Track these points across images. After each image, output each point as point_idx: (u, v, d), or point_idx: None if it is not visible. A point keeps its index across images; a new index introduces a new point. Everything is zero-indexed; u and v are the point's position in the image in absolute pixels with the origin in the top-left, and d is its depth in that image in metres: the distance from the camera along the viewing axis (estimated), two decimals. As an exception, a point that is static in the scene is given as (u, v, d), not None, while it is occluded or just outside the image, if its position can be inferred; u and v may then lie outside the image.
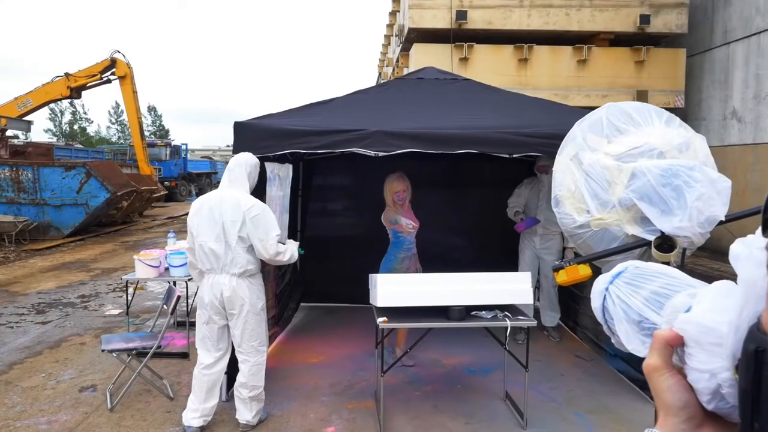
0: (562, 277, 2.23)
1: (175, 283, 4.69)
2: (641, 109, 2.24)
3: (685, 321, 0.57)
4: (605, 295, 0.75)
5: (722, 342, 0.51)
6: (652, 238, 2.05)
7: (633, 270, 0.73)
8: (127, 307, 5.36)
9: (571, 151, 2.22)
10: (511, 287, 3.65)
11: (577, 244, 2.30)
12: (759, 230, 0.49)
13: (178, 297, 4.19)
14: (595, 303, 0.76)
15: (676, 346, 0.58)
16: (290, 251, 3.59)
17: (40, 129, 49.83)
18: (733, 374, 0.51)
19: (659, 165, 2.01)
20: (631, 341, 0.70)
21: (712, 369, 0.53)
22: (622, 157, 2.11)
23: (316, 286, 6.52)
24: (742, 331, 0.48)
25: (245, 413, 3.63)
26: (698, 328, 0.55)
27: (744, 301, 0.49)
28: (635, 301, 0.70)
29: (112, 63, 16.38)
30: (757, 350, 0.45)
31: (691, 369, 0.56)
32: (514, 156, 4.27)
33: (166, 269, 5.04)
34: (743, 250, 0.50)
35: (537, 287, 5.66)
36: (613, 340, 0.75)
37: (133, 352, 4.16)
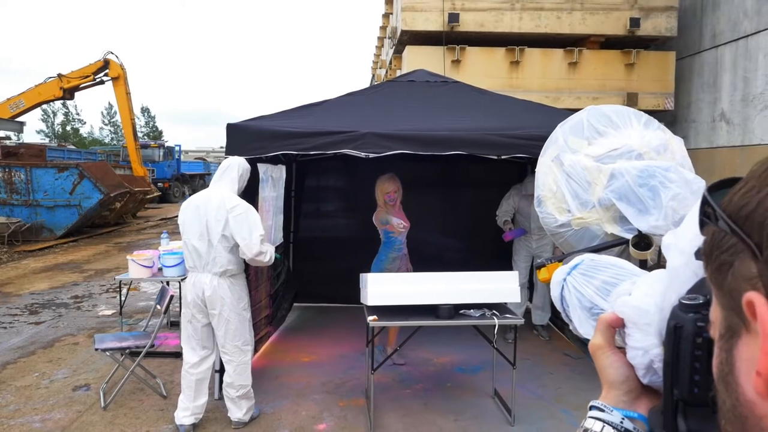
0: (544, 275, 2.29)
1: (168, 283, 4.73)
2: (620, 112, 2.31)
3: (623, 304, 0.63)
4: (563, 285, 0.81)
5: (652, 322, 0.58)
6: (629, 236, 2.12)
7: (588, 262, 0.80)
8: (121, 307, 5.40)
9: (552, 152, 2.29)
10: (498, 286, 3.72)
11: (558, 243, 2.37)
12: (685, 222, 0.55)
13: (171, 296, 4.24)
14: (554, 292, 0.83)
15: (617, 327, 0.65)
16: (270, 253, 3.63)
17: (33, 130, 49.62)
18: (661, 350, 0.58)
19: (636, 166, 2.08)
20: (583, 326, 0.77)
21: (645, 346, 0.60)
22: (601, 159, 2.18)
23: (308, 287, 6.57)
24: (666, 311, 0.55)
25: (236, 411, 3.69)
26: (634, 311, 0.61)
27: (669, 285, 0.55)
28: (587, 290, 0.77)
29: (105, 64, 16.35)
30: (676, 326, 0.52)
31: (629, 347, 0.63)
32: (503, 157, 4.34)
33: (160, 269, 5.08)
34: (672, 241, 0.57)
35: (531, 287, 5.74)
36: (570, 327, 0.81)
37: (127, 351, 4.20)
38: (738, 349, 0.40)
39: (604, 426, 0.62)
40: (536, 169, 2.37)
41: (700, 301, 0.51)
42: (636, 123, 2.26)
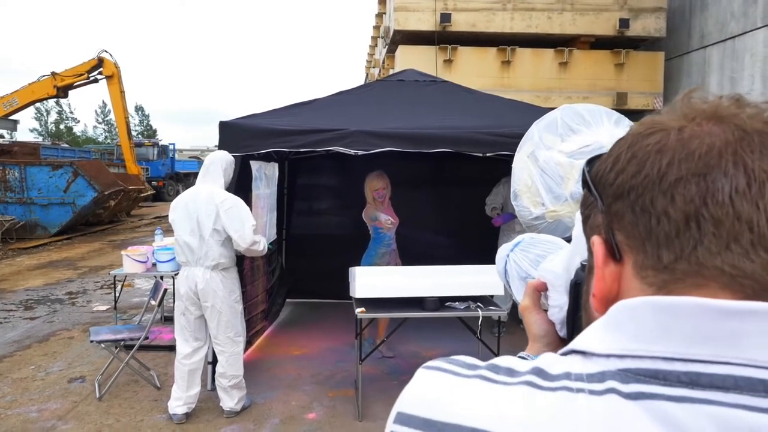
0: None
1: (162, 278, 4.83)
2: (593, 110, 2.43)
3: (543, 269, 0.75)
4: (506, 260, 0.93)
5: (563, 283, 0.70)
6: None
7: (528, 240, 0.91)
8: (115, 302, 5.49)
9: (528, 149, 2.41)
10: (483, 279, 3.83)
11: (533, 235, 2.49)
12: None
13: (165, 290, 4.34)
14: (499, 267, 0.94)
15: (541, 291, 0.76)
16: (263, 242, 3.75)
17: (26, 128, 49.48)
18: None
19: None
20: (519, 294, 0.88)
21: (560, 304, 0.71)
22: (573, 155, 2.30)
23: (301, 283, 6.67)
24: (571, 272, 0.66)
25: (228, 401, 3.79)
26: (551, 275, 0.73)
27: (574, 250, 0.67)
28: (524, 262, 0.88)
29: (99, 62, 16.37)
30: (575, 283, 0.64)
31: (549, 306, 0.74)
32: (488, 155, 4.46)
33: (154, 265, 5.17)
34: (577, 213, 0.68)
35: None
36: (512, 297, 0.93)
37: (121, 343, 4.30)
38: (590, 281, 0.51)
39: None
40: (513, 165, 2.49)
41: None
42: (607, 121, 2.38)
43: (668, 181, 0.42)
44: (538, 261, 0.85)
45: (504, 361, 0.48)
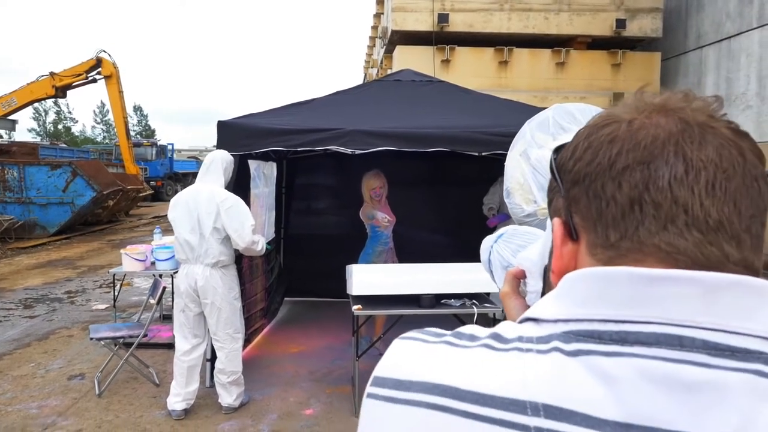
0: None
1: (161, 276, 4.87)
2: (584, 110, 2.47)
3: (521, 258, 0.80)
4: (490, 251, 0.97)
5: (539, 269, 0.74)
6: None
7: (510, 231, 0.96)
8: (114, 300, 5.53)
9: (520, 147, 2.46)
10: (478, 277, 3.87)
11: (526, 232, 2.54)
12: None
13: (164, 288, 4.38)
14: (483, 257, 0.99)
15: (520, 278, 0.81)
16: (262, 242, 3.80)
17: (24, 128, 49.46)
18: None
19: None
20: (501, 282, 0.93)
21: (537, 289, 0.76)
22: (565, 153, 2.35)
23: (298, 282, 6.71)
24: (545, 258, 0.71)
25: (226, 397, 3.84)
26: (528, 262, 0.77)
27: (548, 238, 0.71)
28: (506, 252, 0.93)
29: (98, 62, 16.40)
30: (547, 268, 0.68)
31: (528, 292, 0.79)
32: (484, 154, 4.50)
33: (153, 263, 5.21)
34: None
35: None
36: (496, 286, 0.97)
37: (121, 341, 4.34)
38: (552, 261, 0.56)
39: None
40: (505, 163, 2.53)
41: None
42: (598, 120, 2.43)
43: (617, 169, 0.47)
44: (518, 251, 0.90)
45: (467, 329, 0.53)
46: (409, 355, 0.51)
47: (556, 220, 0.54)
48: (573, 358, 0.44)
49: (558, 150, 0.57)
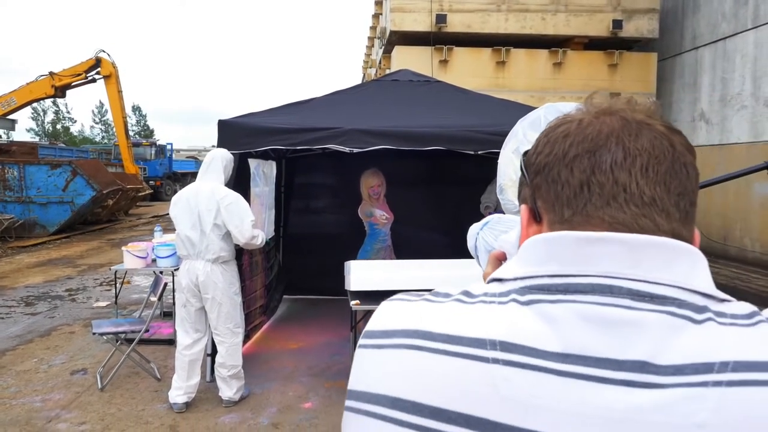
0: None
1: (162, 273, 4.94)
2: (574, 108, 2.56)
3: (502, 240, 0.88)
4: (476, 237, 1.05)
5: (516, 250, 0.82)
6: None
7: (495, 219, 1.04)
8: (116, 296, 5.60)
9: (513, 145, 2.53)
10: (475, 273, 3.94)
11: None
12: None
13: (165, 284, 4.45)
14: (470, 243, 1.07)
15: (501, 259, 0.89)
16: (261, 237, 3.88)
17: (22, 128, 49.49)
18: None
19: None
20: (485, 264, 1.01)
21: (516, 270, 0.84)
22: (555, 151, 2.43)
23: (297, 280, 6.79)
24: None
25: (226, 390, 3.91)
26: (507, 245, 0.85)
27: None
28: (490, 238, 1.01)
29: (97, 62, 16.48)
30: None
31: (508, 273, 0.86)
32: (480, 153, 4.58)
33: (153, 261, 5.28)
34: None
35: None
36: (481, 269, 1.05)
37: (122, 336, 4.41)
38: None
39: None
40: (498, 161, 2.61)
41: None
42: (588, 119, 2.51)
43: (569, 158, 0.56)
44: (501, 236, 0.98)
45: (443, 289, 0.62)
46: (393, 311, 0.61)
47: (523, 206, 0.63)
48: (526, 306, 0.54)
49: (526, 152, 0.66)
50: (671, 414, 0.46)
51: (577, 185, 0.55)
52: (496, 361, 0.51)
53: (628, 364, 0.48)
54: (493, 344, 0.52)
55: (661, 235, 0.53)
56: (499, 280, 0.59)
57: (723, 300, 0.53)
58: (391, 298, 0.64)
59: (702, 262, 0.54)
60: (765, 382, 0.46)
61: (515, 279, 0.57)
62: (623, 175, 0.54)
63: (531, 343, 0.51)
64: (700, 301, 0.51)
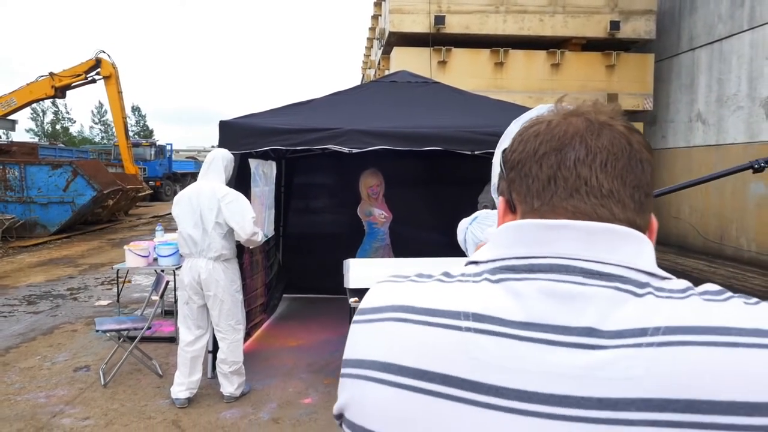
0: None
1: (163, 271, 5.01)
2: (567, 110, 2.64)
3: (488, 233, 0.95)
4: (465, 232, 1.12)
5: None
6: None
7: (483, 214, 1.11)
8: (118, 295, 5.67)
9: (506, 145, 2.61)
10: (471, 271, 4.03)
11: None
12: None
13: (167, 282, 4.52)
14: (460, 237, 1.14)
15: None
16: (261, 233, 3.97)
17: (22, 129, 49.52)
18: None
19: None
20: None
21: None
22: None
23: (297, 279, 6.86)
24: None
25: (228, 386, 3.98)
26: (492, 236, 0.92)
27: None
28: (478, 232, 1.08)
29: (97, 63, 16.53)
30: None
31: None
32: (477, 153, 4.66)
33: (155, 260, 5.35)
34: None
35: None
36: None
37: (125, 333, 4.48)
38: None
39: None
40: (493, 160, 2.69)
41: None
42: (580, 120, 2.58)
43: (539, 155, 0.63)
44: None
45: (427, 271, 0.69)
46: (382, 291, 0.69)
47: (501, 199, 0.70)
48: (496, 284, 0.62)
49: (504, 150, 0.73)
50: (612, 371, 0.54)
51: (545, 179, 0.63)
52: (468, 329, 0.59)
53: (578, 330, 0.56)
54: (467, 316, 0.60)
55: (617, 223, 0.61)
56: (475, 262, 0.66)
57: (664, 278, 0.61)
58: (380, 280, 0.71)
59: (648, 247, 0.62)
60: (688, 342, 0.54)
61: (488, 261, 0.64)
62: (585, 170, 0.61)
63: (499, 314, 0.59)
64: (643, 278, 0.59)
